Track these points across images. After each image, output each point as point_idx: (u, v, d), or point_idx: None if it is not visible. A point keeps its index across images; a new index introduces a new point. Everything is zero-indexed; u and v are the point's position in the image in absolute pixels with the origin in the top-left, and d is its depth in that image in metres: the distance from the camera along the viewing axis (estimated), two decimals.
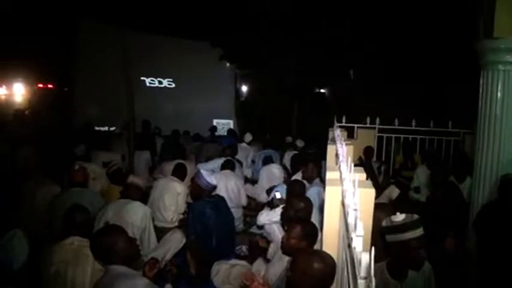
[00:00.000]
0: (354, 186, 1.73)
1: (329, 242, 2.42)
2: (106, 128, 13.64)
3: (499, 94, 4.43)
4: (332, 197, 2.38)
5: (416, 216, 2.64)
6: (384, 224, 2.68)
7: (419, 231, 2.58)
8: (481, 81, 4.61)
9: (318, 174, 5.56)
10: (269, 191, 6.34)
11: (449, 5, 9.08)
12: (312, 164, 5.59)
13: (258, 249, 4.31)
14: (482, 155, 4.57)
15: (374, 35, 11.52)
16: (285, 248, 3.14)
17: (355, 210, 1.53)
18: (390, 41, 11.45)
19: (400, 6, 10.34)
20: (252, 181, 8.21)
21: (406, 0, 10.29)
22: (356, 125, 8.51)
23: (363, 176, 2.54)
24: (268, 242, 4.31)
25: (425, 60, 11.73)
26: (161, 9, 13.52)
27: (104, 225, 3.91)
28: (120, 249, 2.79)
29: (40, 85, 16.17)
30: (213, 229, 4.63)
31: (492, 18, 4.34)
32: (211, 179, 4.77)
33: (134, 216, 4.40)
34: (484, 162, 4.54)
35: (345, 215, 1.75)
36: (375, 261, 1.18)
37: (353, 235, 1.34)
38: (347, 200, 1.72)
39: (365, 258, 1.15)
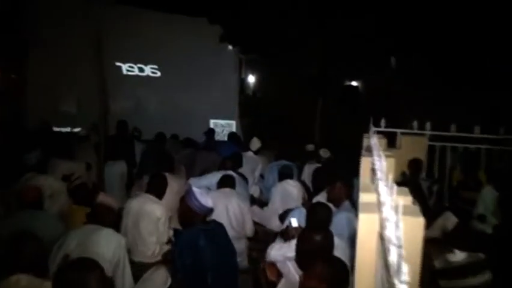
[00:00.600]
0: (396, 213, 1.71)
1: (363, 286, 2.41)
2: (68, 129, 13.68)
3: None
4: (366, 227, 2.36)
5: (481, 256, 2.62)
6: (437, 264, 2.67)
7: (485, 276, 2.56)
8: None
9: (347, 195, 5.55)
10: (283, 216, 6.33)
11: None
12: (340, 182, 5.58)
13: (265, 279, 4.31)
14: None
15: (425, 11, 11.50)
16: None
17: (399, 247, 1.51)
18: (448, 21, 11.40)
19: None
20: (260, 202, 8.19)
21: None
22: (399, 130, 8.51)
23: (409, 199, 2.52)
24: (279, 276, 4.30)
25: (495, 51, 11.69)
26: None
27: (68, 258, 3.90)
28: None
29: None
30: (208, 266, 4.61)
31: None
32: (206, 200, 4.74)
33: (105, 247, 4.37)
34: None
35: (385, 252, 1.73)
36: None
37: (395, 280, 1.32)
38: (388, 233, 1.70)
39: None
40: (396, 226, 1.65)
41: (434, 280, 2.67)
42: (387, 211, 1.94)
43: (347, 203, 5.43)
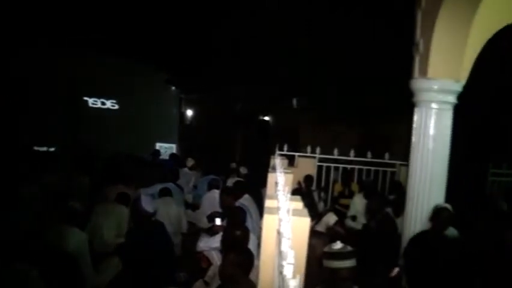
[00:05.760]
0: (288, 214, 1.79)
1: (265, 269, 2.46)
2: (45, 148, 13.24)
3: (432, 131, 4.69)
4: (269, 225, 2.43)
5: (349, 248, 2.74)
6: (325, 249, 2.79)
7: (349, 262, 2.68)
8: (415, 118, 4.87)
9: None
10: (210, 217, 6.33)
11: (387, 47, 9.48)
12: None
13: (199, 267, 4.31)
14: (414, 187, 4.80)
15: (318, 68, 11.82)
16: (222, 275, 3.16)
17: (288, 238, 1.58)
18: (332, 75, 11.75)
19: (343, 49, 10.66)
20: (193, 206, 8.14)
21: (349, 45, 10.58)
22: (296, 154, 8.71)
23: (300, 204, 2.61)
24: (210, 264, 4.31)
25: (366, 94, 12.14)
26: (105, 27, 13.26)
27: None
28: None
29: None
30: (152, 254, 4.55)
31: (427, 60, 4.64)
32: (149, 206, 4.68)
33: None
34: (416, 194, 4.77)
35: (279, 243, 1.80)
36: (311, 287, 1.23)
37: (284, 263, 1.39)
38: (282, 229, 1.77)
39: (292, 284, 1.20)
40: (287, 223, 1.73)
41: (321, 260, 2.79)
42: (283, 213, 2.01)
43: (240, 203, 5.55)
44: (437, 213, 4.31)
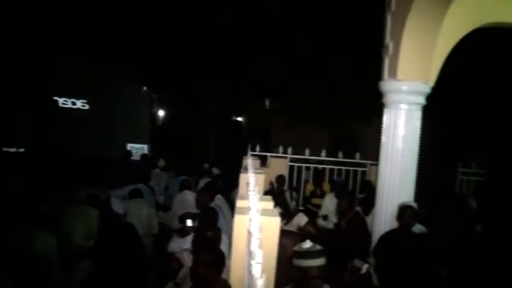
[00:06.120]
0: (257, 215, 1.80)
1: (236, 268, 2.46)
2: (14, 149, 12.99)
3: (401, 131, 4.80)
4: (240, 225, 2.43)
5: (318, 247, 2.77)
6: (295, 248, 2.81)
7: (319, 261, 2.71)
8: (385, 118, 4.96)
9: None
10: (181, 218, 6.30)
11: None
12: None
13: (170, 269, 4.28)
14: (384, 186, 4.88)
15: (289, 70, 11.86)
16: (193, 276, 3.14)
17: (257, 238, 1.58)
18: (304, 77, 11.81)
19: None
20: (165, 207, 8.08)
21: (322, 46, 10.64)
22: (268, 154, 8.75)
23: (270, 204, 2.62)
24: (181, 265, 4.28)
25: (337, 95, 12.24)
26: (76, 27, 13.03)
27: None
28: None
29: None
30: (122, 257, 4.50)
31: (396, 61, 4.73)
32: (119, 208, 4.65)
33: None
34: (385, 193, 4.86)
35: (248, 242, 1.80)
36: (282, 286, 1.24)
37: (253, 262, 1.39)
38: (251, 229, 1.78)
39: (260, 283, 1.21)
40: (256, 223, 1.73)
41: (291, 259, 2.81)
42: (253, 213, 2.02)
43: (213, 204, 5.54)
44: (401, 212, 4.38)
